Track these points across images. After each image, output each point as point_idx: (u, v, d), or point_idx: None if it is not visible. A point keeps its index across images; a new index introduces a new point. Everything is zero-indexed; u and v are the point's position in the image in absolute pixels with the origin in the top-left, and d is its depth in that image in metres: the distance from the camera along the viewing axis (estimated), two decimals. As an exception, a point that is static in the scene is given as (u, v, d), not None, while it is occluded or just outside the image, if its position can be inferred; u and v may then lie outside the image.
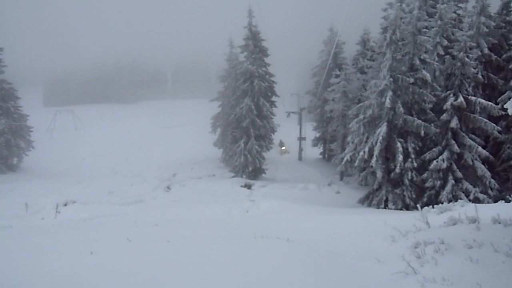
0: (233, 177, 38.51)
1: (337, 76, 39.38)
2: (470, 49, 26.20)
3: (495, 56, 29.04)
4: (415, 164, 25.78)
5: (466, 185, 25.06)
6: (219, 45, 55.68)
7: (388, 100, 25.59)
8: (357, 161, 26.99)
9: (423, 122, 25.78)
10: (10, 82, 46.22)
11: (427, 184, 25.83)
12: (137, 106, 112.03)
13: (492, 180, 25.22)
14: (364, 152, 26.49)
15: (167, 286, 7.28)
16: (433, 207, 14.88)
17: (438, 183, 25.41)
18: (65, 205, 26.53)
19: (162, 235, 11.58)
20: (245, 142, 38.16)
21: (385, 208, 26.27)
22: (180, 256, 9.13)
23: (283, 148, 52.34)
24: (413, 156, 25.81)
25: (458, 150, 25.12)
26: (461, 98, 25.00)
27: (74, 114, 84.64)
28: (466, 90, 25.60)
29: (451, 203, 15.88)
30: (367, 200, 27.97)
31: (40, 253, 9.86)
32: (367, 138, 27.59)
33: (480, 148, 25.14)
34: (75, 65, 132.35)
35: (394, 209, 25.45)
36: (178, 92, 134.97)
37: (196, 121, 71.27)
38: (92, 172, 43.50)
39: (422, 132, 25.60)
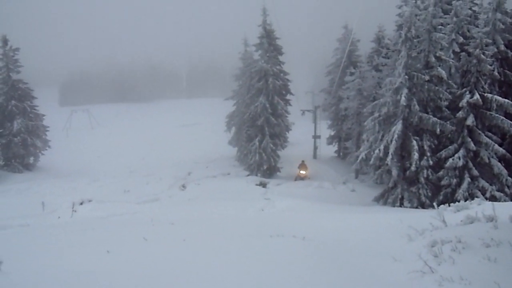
0: (248, 175, 38.53)
1: (351, 74, 39.24)
2: (486, 46, 25.95)
3: (512, 53, 28.78)
4: (431, 162, 25.63)
5: (483, 183, 24.88)
6: (233, 44, 55.65)
7: (403, 98, 25.47)
8: (372, 159, 26.94)
9: (438, 120, 25.63)
10: (26, 82, 46.65)
11: (443, 182, 25.69)
12: (152, 105, 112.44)
13: (509, 178, 24.94)
14: (379, 150, 26.41)
15: (183, 285, 7.31)
16: (449, 206, 14.75)
17: (454, 181, 25.25)
18: (81, 204, 26.71)
19: (178, 234, 11.65)
20: (260, 141, 38.16)
21: (400, 206, 26.16)
22: (196, 255, 9.18)
23: (302, 172, 39.50)
24: (428, 154, 25.66)
25: (474, 148, 24.93)
26: (477, 96, 24.81)
27: (90, 113, 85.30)
28: (482, 87, 25.39)
29: (467, 201, 15.75)
30: (383, 198, 27.86)
31: (58, 252, 9.95)
32: (382, 136, 27.48)
33: (496, 146, 24.92)
34: (91, 64, 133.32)
35: (410, 208, 25.32)
36: (193, 91, 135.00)
37: (211, 120, 71.39)
38: (108, 171, 43.75)
39: (438, 130, 25.46)
